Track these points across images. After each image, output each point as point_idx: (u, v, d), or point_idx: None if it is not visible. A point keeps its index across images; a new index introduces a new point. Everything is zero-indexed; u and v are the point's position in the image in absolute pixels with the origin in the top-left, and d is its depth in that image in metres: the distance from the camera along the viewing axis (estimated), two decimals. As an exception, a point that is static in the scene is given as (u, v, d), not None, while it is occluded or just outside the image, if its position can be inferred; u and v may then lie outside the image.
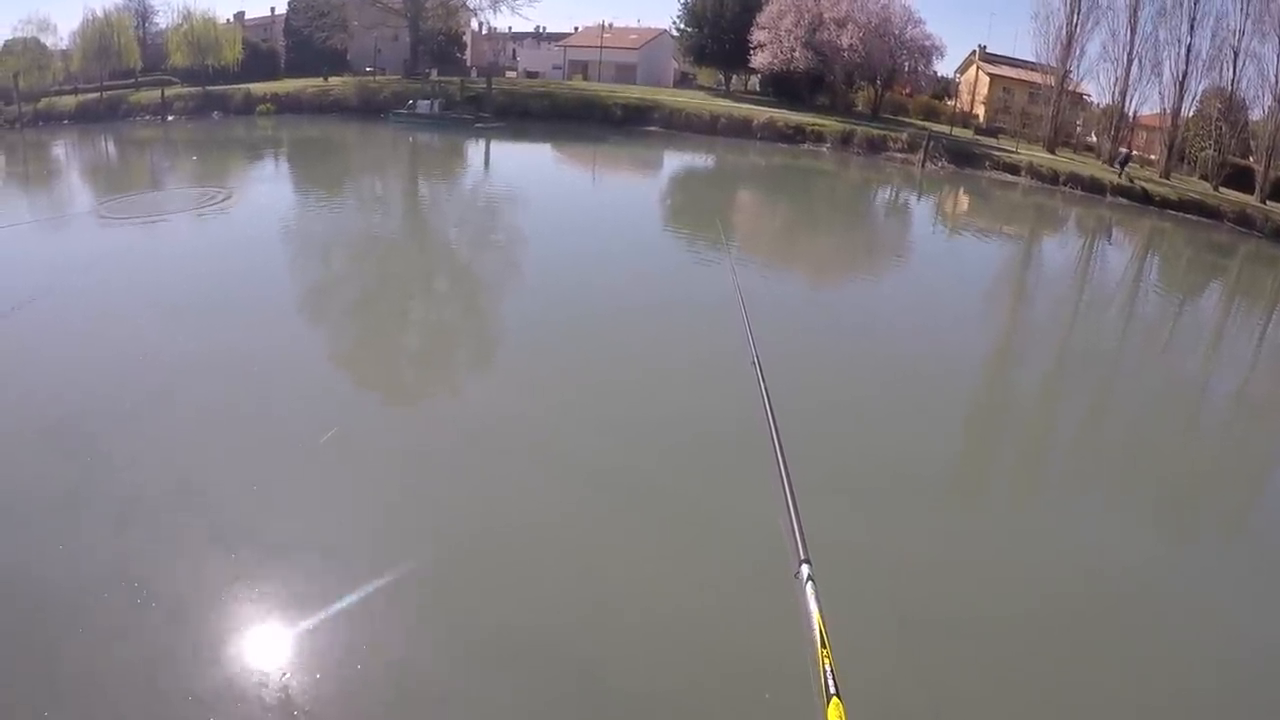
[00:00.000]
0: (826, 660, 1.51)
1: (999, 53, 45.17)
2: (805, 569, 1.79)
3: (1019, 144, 34.51)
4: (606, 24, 54.61)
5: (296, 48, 44.26)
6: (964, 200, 28.35)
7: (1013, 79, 42.40)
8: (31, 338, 8.94)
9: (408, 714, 4.08)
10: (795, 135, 34.05)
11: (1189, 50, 32.04)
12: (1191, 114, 33.22)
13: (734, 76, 46.21)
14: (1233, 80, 31.69)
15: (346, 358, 9.21)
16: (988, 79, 44.20)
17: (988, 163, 31.45)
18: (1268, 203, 29.01)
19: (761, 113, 35.70)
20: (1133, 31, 33.48)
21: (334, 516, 5.63)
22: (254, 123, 35.24)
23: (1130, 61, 33.86)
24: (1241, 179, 31.13)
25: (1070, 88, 36.37)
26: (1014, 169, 30.85)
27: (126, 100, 36.79)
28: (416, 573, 5.05)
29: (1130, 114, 35.43)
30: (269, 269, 12.67)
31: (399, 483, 6.21)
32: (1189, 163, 33.71)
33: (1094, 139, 38.08)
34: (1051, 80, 35.82)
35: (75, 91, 37.24)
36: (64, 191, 20.66)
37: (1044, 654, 4.95)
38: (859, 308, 13.08)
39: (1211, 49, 31.80)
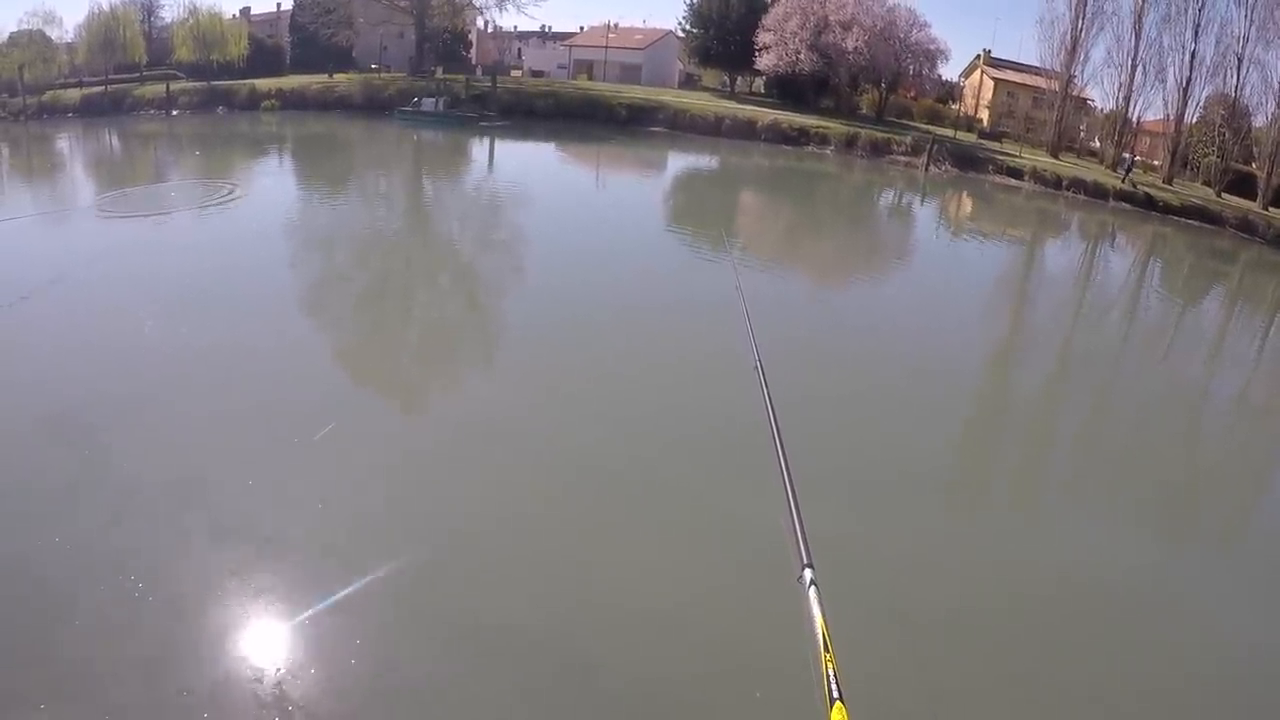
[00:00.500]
0: (830, 664, 1.50)
1: (1003, 57, 45.18)
2: (808, 573, 1.78)
3: (1022, 148, 34.47)
4: (612, 24, 54.66)
5: (302, 44, 44.28)
6: (967, 204, 28.34)
7: (1017, 83, 42.35)
8: (32, 330, 8.93)
9: (404, 709, 4.07)
10: (799, 137, 34.03)
11: (1193, 56, 32.08)
12: (1195, 120, 33.23)
13: (739, 78, 46.16)
14: (1236, 86, 31.74)
15: (348, 353, 9.21)
16: (992, 83, 44.16)
17: (991, 167, 31.43)
18: (1270, 209, 28.98)
19: (766, 115, 35.68)
20: (1137, 37, 33.51)
21: (334, 511, 5.62)
22: (258, 118, 35.26)
23: (1134, 67, 33.92)
24: (1244, 185, 31.11)
25: (1074, 93, 36.33)
26: (1017, 173, 30.82)
27: (131, 94, 36.85)
28: (414, 569, 5.03)
29: (1134, 119, 35.44)
30: (271, 264, 12.64)
31: (399, 478, 6.20)
32: (1192, 168, 33.68)
33: (1097, 144, 38.07)
34: (1056, 85, 35.77)
35: (80, 85, 37.31)
36: (66, 185, 20.68)
37: (1048, 657, 4.93)
38: (862, 310, 13.07)
39: (1216, 55, 31.87)
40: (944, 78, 46.17)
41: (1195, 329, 15.92)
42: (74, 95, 36.13)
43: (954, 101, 46.65)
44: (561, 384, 8.27)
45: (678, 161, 31.32)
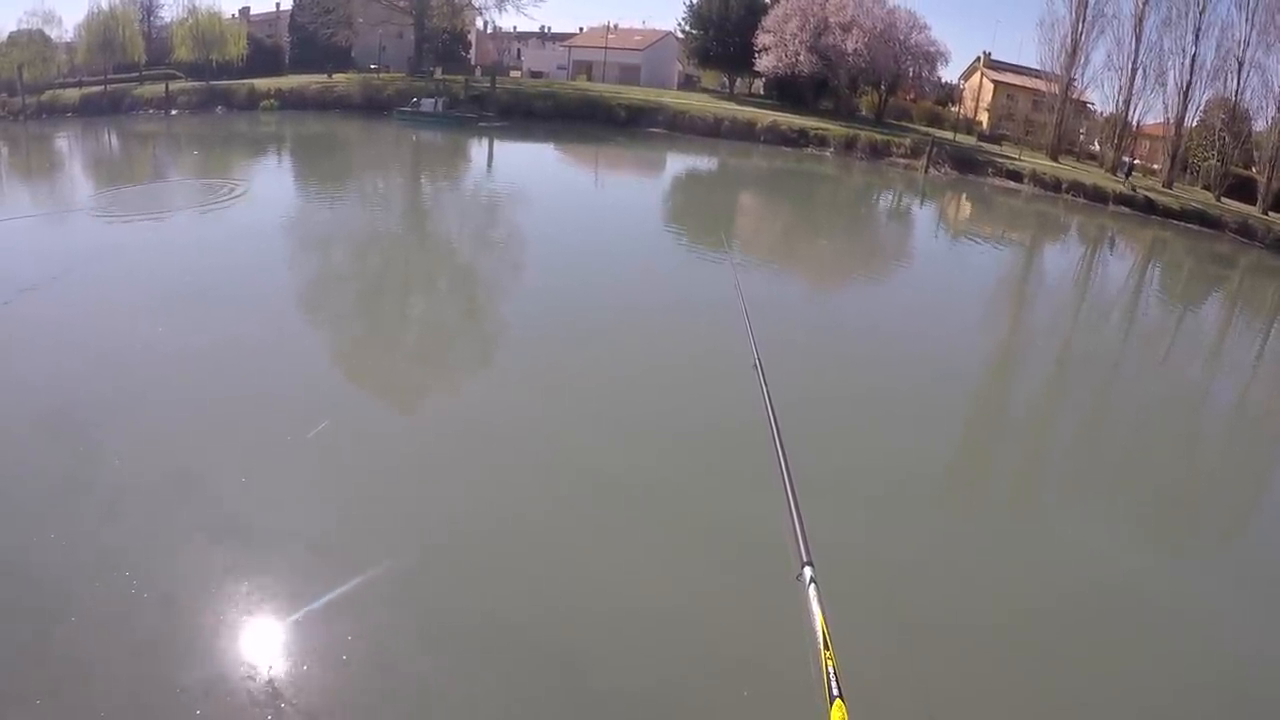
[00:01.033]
0: (830, 662, 1.49)
1: (1003, 60, 45.38)
2: (808, 571, 1.77)
3: (1022, 151, 34.54)
4: (612, 25, 54.74)
5: (301, 44, 44.28)
6: (966, 206, 28.38)
7: (1017, 86, 42.47)
8: (28, 328, 8.90)
9: (398, 709, 4.04)
10: (799, 139, 34.08)
11: (1194, 60, 32.20)
12: (1195, 124, 33.30)
13: (738, 79, 46.25)
14: (1237, 90, 31.85)
15: (345, 353, 9.18)
16: (992, 86, 44.25)
17: (990, 169, 31.48)
18: (1270, 214, 29.05)
19: (765, 116, 35.73)
20: (1138, 40, 33.61)
21: (329, 509, 5.59)
22: (257, 118, 35.24)
23: (1134, 70, 34.03)
24: (1244, 189, 31.19)
25: (1074, 96, 36.44)
26: (1017, 176, 30.88)
27: (130, 94, 36.82)
28: (409, 568, 5.01)
29: (1134, 123, 35.51)
30: (268, 263, 12.61)
31: (395, 477, 6.17)
32: (1192, 172, 33.75)
33: (1097, 147, 38.14)
34: (1055, 88, 35.87)
35: (79, 85, 37.26)
36: (64, 184, 20.63)
37: (1047, 654, 4.93)
38: (862, 310, 13.07)
39: (1216, 59, 31.99)
40: (944, 80, 46.38)
41: (1194, 333, 15.94)
42: (73, 95, 36.09)
43: (953, 104, 46.77)
44: (560, 383, 8.25)
45: (677, 163, 31.33)
